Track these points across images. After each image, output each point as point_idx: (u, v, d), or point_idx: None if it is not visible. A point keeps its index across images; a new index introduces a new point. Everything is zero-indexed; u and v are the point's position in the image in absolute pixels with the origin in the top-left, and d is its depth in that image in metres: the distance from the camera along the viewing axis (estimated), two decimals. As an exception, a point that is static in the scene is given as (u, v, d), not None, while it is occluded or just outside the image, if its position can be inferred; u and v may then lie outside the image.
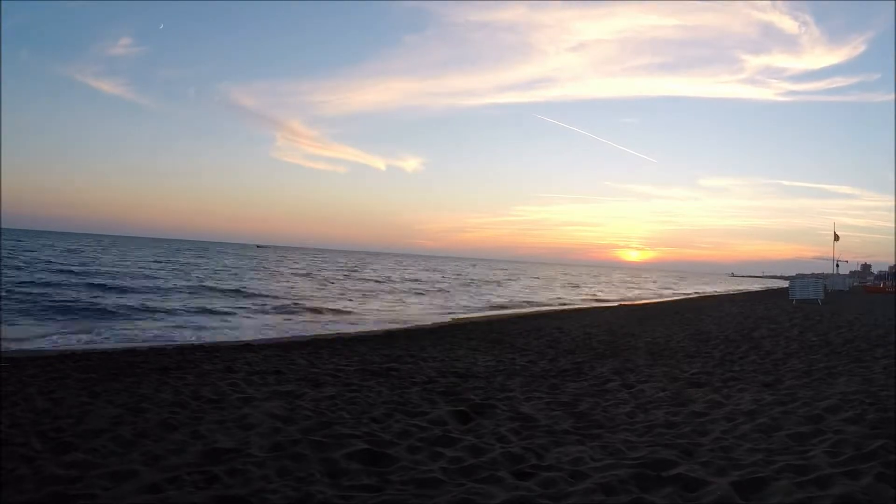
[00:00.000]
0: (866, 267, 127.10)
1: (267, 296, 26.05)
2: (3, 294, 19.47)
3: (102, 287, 24.78)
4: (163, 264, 47.03)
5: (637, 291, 53.02)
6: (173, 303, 21.27)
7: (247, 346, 11.59)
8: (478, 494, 3.65)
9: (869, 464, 3.92)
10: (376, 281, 43.92)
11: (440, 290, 38.10)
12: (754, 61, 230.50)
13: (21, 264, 35.08)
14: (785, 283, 57.92)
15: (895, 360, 9.14)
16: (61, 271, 31.83)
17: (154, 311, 18.56)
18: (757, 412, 5.77)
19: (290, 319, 18.81)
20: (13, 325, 14.32)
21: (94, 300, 20.06)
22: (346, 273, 53.08)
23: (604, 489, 3.71)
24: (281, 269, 51.60)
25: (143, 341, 12.66)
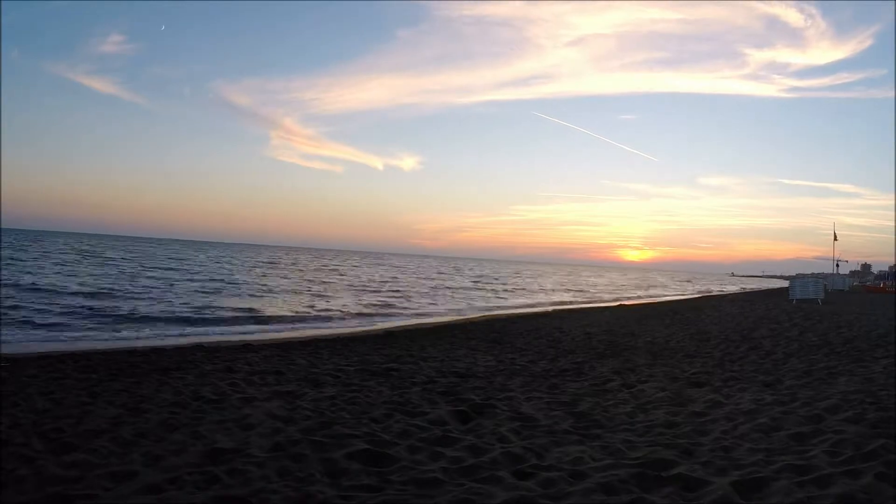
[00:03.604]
0: (866, 266, 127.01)
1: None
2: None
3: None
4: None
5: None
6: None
7: (247, 346, 11.59)
8: (478, 494, 3.65)
9: (869, 463, 3.92)
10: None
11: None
12: (758, 56, 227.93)
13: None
14: (785, 283, 57.93)
15: (895, 359, 9.14)
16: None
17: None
18: (757, 412, 5.78)
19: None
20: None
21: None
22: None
23: (604, 489, 3.71)
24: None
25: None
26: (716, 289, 67.19)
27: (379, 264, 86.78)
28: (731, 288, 72.14)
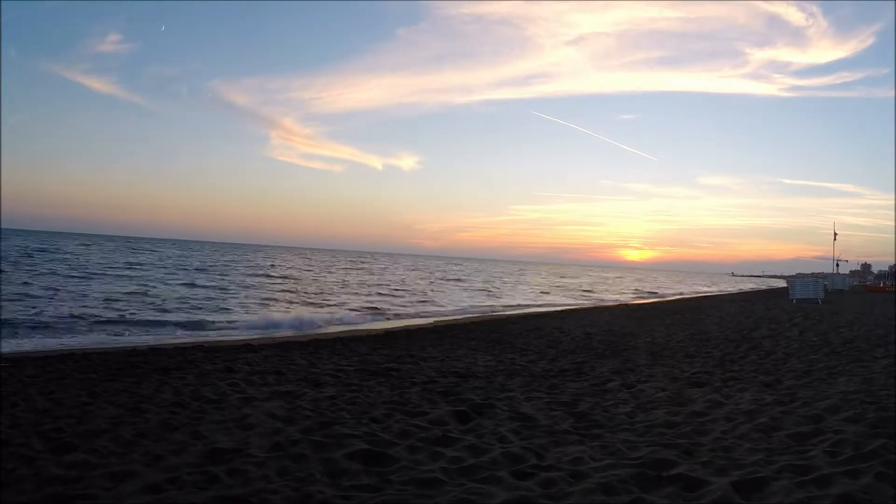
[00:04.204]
0: (866, 266, 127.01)
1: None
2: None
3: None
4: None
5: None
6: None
7: (247, 346, 11.59)
8: (478, 494, 3.65)
9: (869, 463, 3.92)
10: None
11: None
12: (758, 55, 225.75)
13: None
14: (785, 283, 57.97)
15: (895, 359, 9.15)
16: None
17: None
18: (757, 412, 5.78)
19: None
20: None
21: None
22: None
23: (604, 489, 3.71)
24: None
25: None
26: (715, 289, 67.24)
27: (379, 264, 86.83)
28: (731, 288, 72.19)
